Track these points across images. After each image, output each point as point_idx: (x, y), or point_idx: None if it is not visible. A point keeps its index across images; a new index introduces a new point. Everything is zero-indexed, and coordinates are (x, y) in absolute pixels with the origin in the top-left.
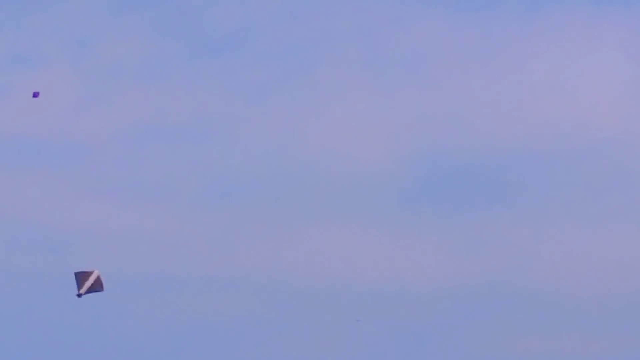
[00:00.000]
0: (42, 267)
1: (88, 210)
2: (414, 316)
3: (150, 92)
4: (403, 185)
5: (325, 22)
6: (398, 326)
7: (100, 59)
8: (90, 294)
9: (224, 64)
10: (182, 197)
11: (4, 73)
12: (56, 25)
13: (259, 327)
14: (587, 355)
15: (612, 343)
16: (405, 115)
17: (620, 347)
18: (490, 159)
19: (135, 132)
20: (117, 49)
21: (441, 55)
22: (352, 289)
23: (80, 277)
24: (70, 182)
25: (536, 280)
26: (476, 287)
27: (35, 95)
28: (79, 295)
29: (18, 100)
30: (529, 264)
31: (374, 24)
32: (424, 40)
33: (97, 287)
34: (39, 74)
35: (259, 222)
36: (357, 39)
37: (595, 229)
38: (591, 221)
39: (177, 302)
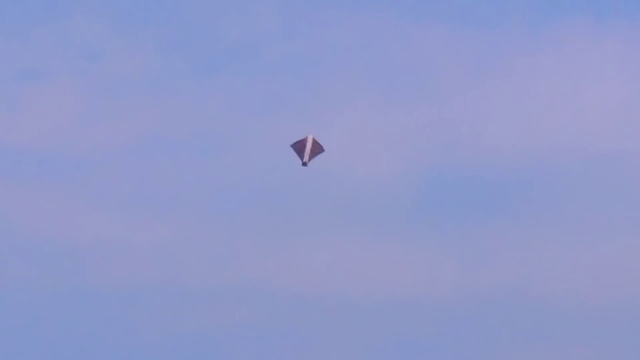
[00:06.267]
0: (46, 278)
1: (94, 223)
2: (419, 329)
3: (155, 105)
4: (409, 197)
5: (331, 35)
6: (403, 338)
7: (106, 72)
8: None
9: (230, 76)
10: (189, 209)
11: (11, 87)
12: (62, 39)
13: (264, 338)
14: None
15: (620, 355)
16: (411, 128)
17: (628, 358)
18: (496, 171)
19: (142, 146)
20: (123, 63)
21: (447, 69)
22: (357, 301)
23: (298, 147)
24: (77, 196)
25: (543, 293)
26: (483, 299)
27: None
28: (305, 164)
29: (25, 113)
30: (536, 276)
31: (380, 38)
32: (430, 55)
33: (317, 149)
34: (45, 88)
35: (265, 234)
36: (363, 52)
37: (602, 241)
38: (598, 233)
39: (184, 314)
